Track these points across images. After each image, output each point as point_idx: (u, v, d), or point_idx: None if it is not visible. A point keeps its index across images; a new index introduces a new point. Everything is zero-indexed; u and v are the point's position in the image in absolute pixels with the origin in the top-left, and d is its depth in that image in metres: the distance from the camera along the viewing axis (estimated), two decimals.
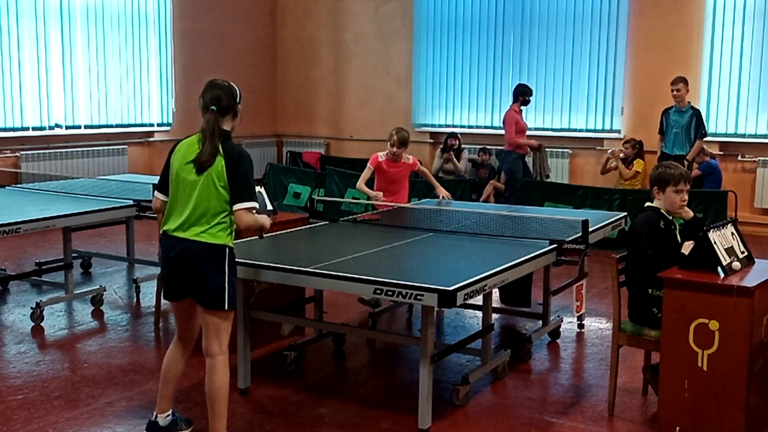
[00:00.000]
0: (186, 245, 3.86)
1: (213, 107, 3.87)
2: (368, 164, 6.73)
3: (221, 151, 3.81)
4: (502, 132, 10.22)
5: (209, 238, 3.85)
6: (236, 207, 3.84)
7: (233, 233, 3.96)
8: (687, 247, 4.43)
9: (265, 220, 4.11)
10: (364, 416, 4.60)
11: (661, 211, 4.63)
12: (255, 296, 4.93)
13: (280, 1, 13.68)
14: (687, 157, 9.25)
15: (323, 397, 4.87)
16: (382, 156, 6.63)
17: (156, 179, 4.20)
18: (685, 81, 9.24)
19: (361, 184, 6.79)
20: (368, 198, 6.66)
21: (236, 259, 4.04)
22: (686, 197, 4.64)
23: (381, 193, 6.62)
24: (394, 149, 6.53)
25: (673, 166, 4.69)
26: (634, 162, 10.51)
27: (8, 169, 9.84)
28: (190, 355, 4.20)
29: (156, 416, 4.18)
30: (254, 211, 3.92)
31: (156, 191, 4.10)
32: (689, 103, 9.36)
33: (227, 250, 3.91)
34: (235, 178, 3.81)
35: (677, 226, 4.72)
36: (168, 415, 4.18)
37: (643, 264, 4.48)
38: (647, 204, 4.73)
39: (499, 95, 11.99)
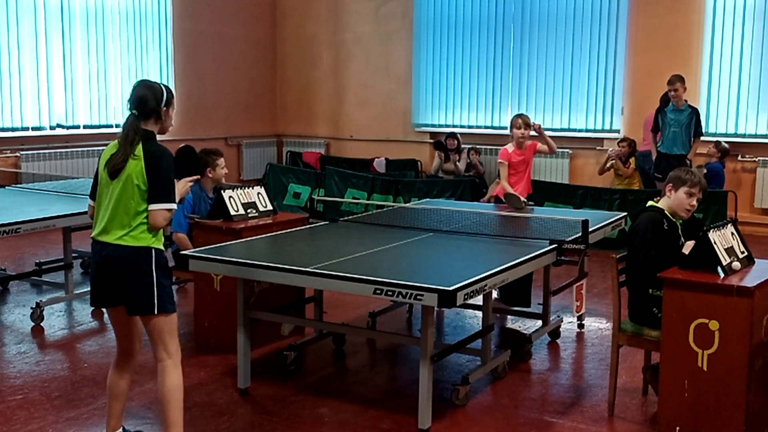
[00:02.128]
0: (110, 250, 3.74)
1: (134, 111, 3.78)
2: (500, 160, 6.82)
3: (142, 152, 3.71)
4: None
5: (132, 241, 3.72)
6: (152, 207, 3.71)
7: (160, 235, 3.81)
8: (688, 247, 4.43)
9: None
10: (364, 416, 4.60)
11: (665, 211, 4.63)
12: (255, 296, 4.93)
13: (280, 1, 13.67)
14: (688, 157, 9.23)
15: (323, 397, 4.87)
16: (510, 148, 6.82)
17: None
18: (682, 80, 9.12)
19: (506, 183, 6.74)
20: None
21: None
22: (695, 204, 4.63)
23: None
24: (521, 131, 6.72)
25: (695, 172, 4.73)
26: (630, 160, 10.53)
27: (8, 169, 9.84)
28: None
29: None
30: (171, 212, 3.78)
31: (90, 198, 3.99)
32: (686, 101, 9.30)
33: (153, 251, 3.76)
34: (154, 178, 3.70)
35: (680, 227, 4.72)
36: None
37: (646, 264, 4.48)
38: (650, 203, 4.72)
39: (499, 95, 12.00)
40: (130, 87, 3.90)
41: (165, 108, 3.85)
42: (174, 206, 3.80)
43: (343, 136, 13.36)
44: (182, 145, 4.23)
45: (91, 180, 4.05)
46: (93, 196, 3.95)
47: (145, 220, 3.74)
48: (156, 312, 3.76)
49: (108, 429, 4.04)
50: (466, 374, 4.88)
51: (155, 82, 3.91)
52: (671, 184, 4.63)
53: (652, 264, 4.44)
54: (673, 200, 4.62)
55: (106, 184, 3.79)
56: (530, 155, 6.92)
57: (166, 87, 3.91)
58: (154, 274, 3.76)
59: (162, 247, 3.82)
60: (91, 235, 3.87)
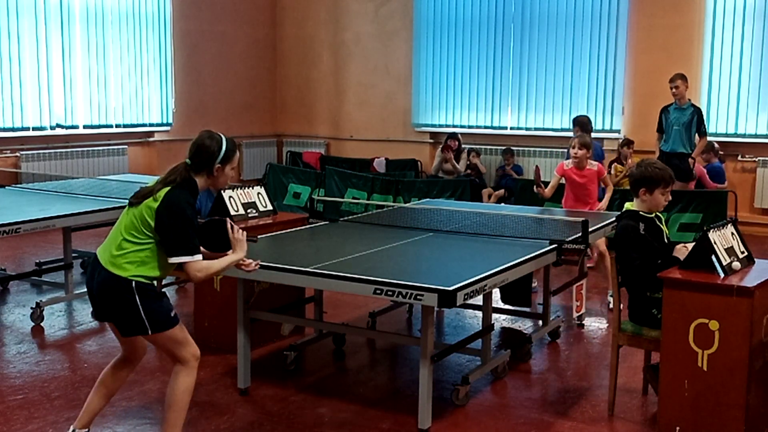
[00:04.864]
0: (97, 271, 3.67)
1: (188, 160, 3.71)
2: (554, 172, 7.18)
3: (162, 197, 3.60)
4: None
5: (113, 268, 3.61)
6: (171, 260, 3.61)
7: (149, 269, 3.63)
8: (679, 251, 4.42)
9: (222, 262, 3.75)
10: (364, 416, 4.60)
11: (640, 213, 4.61)
12: (255, 296, 4.93)
13: (280, 1, 13.67)
14: (693, 155, 9.24)
15: (323, 397, 4.87)
16: (567, 164, 6.99)
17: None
18: (683, 78, 9.13)
19: (547, 189, 7.07)
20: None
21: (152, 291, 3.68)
22: (669, 197, 4.65)
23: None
24: (573, 151, 6.85)
25: (660, 166, 4.65)
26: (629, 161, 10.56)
27: (8, 169, 9.84)
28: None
29: (74, 430, 3.96)
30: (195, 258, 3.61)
31: None
32: (689, 100, 9.30)
33: (134, 284, 3.60)
34: (164, 231, 3.59)
35: (662, 219, 4.70)
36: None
37: (635, 273, 4.49)
38: (626, 207, 4.69)
39: (499, 95, 11.99)
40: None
41: (220, 165, 3.71)
42: (191, 258, 3.60)
43: (343, 136, 13.35)
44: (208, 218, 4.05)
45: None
46: None
47: (136, 254, 3.61)
48: (150, 333, 3.68)
49: (77, 424, 3.97)
50: (466, 374, 4.88)
51: (218, 135, 3.74)
52: (644, 188, 4.58)
53: (640, 271, 4.44)
54: (650, 202, 4.60)
55: (126, 211, 3.72)
56: (591, 179, 6.93)
57: (230, 141, 3.75)
58: (139, 302, 3.62)
59: (146, 280, 3.64)
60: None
